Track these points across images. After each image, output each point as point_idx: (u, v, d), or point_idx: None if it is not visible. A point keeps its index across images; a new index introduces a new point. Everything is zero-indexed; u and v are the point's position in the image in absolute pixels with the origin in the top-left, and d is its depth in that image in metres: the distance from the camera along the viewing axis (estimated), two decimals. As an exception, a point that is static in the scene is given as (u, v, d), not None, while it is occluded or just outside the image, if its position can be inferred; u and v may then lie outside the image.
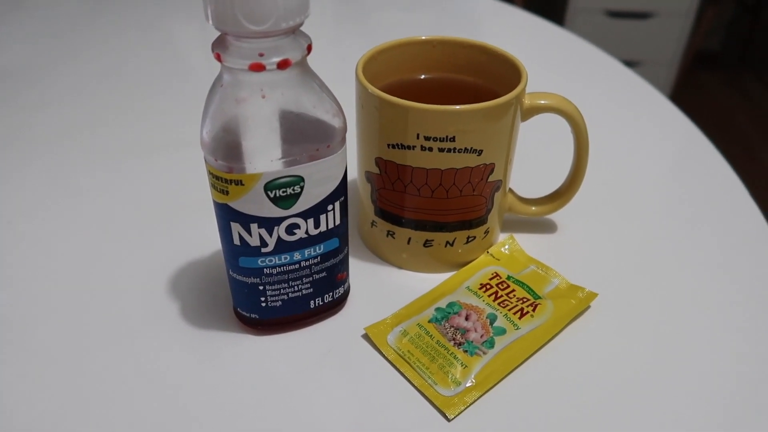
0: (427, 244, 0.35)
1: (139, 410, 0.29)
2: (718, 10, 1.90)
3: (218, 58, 0.24)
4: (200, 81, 0.57)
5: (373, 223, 0.36)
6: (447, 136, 0.31)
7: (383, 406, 0.29)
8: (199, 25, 0.68)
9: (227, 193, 0.27)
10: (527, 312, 0.33)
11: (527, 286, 0.35)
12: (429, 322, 0.33)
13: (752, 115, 1.93)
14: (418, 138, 0.31)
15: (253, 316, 0.32)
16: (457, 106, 0.30)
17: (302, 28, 0.25)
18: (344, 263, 0.32)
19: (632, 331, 0.33)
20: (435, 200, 0.33)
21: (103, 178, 0.44)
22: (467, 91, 0.36)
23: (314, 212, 0.28)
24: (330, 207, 0.29)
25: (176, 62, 0.60)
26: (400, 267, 0.37)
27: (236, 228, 0.28)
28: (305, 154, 0.26)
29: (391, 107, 0.31)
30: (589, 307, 0.34)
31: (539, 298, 0.34)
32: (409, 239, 0.35)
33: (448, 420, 0.29)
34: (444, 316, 0.33)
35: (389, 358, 0.31)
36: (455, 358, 0.31)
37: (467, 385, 0.30)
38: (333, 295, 0.32)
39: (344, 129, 0.27)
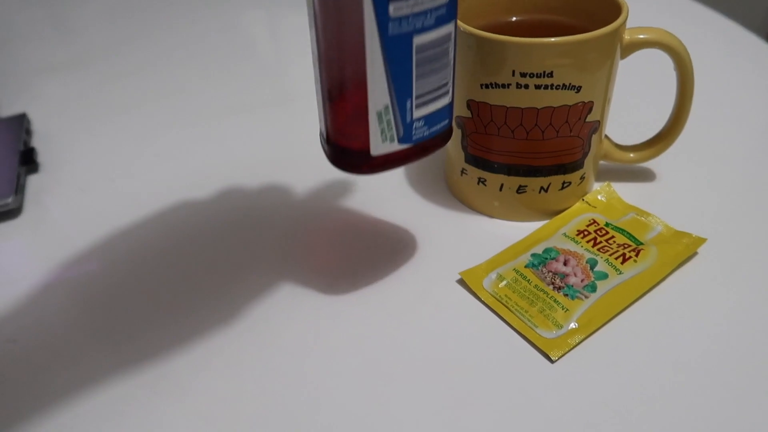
0: (520, 190, 0.34)
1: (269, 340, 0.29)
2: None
3: None
4: (268, 54, 0.58)
5: (463, 171, 0.35)
6: (544, 72, 0.30)
7: (484, 348, 0.29)
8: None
9: None
10: (630, 257, 0.32)
11: (627, 233, 0.33)
12: (525, 267, 0.32)
13: None
14: (513, 75, 0.30)
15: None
16: (555, 39, 0.29)
17: None
18: None
19: (745, 278, 0.31)
20: (530, 142, 0.32)
21: (198, 135, 0.45)
22: (562, 31, 0.34)
23: None
24: None
25: (245, 38, 0.62)
26: (491, 216, 0.36)
27: None
28: None
29: (486, 43, 0.30)
30: (696, 253, 0.32)
31: (641, 244, 0.33)
32: (502, 186, 0.34)
33: (552, 361, 0.28)
34: (541, 261, 0.32)
35: (486, 302, 0.31)
36: (555, 301, 0.30)
37: (570, 327, 0.29)
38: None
39: None
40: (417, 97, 0.26)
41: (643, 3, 0.61)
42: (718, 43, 0.53)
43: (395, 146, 0.27)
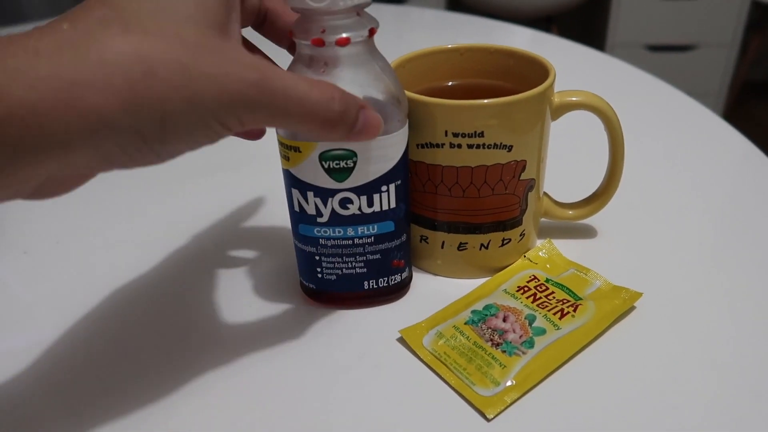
0: (461, 247, 0.35)
1: (205, 378, 0.29)
2: (763, 39, 1.86)
3: (290, 35, 0.27)
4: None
5: (406, 230, 0.36)
6: (475, 132, 0.31)
7: (420, 408, 0.28)
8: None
9: (288, 159, 0.29)
10: (568, 312, 0.32)
11: (567, 288, 0.34)
12: (465, 324, 0.32)
13: (810, 143, 1.85)
14: (446, 135, 0.31)
15: (310, 286, 0.33)
16: (484, 101, 0.30)
17: None
18: (402, 250, 0.33)
19: (680, 331, 0.31)
20: (467, 200, 0.33)
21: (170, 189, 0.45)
22: (497, 94, 0.36)
23: (367, 190, 0.30)
24: (384, 188, 0.30)
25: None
26: (435, 273, 0.36)
27: (296, 194, 0.30)
28: None
29: (418, 105, 0.31)
30: (634, 308, 0.33)
31: (580, 299, 0.33)
32: (443, 243, 0.35)
33: (488, 420, 0.27)
34: (481, 318, 0.32)
35: (425, 360, 0.30)
36: (493, 358, 0.30)
37: (507, 385, 0.29)
38: (388, 280, 0.33)
39: (401, 113, 0.29)
40: None
41: (599, 72, 0.64)
42: (658, 104, 0.56)
43: None
